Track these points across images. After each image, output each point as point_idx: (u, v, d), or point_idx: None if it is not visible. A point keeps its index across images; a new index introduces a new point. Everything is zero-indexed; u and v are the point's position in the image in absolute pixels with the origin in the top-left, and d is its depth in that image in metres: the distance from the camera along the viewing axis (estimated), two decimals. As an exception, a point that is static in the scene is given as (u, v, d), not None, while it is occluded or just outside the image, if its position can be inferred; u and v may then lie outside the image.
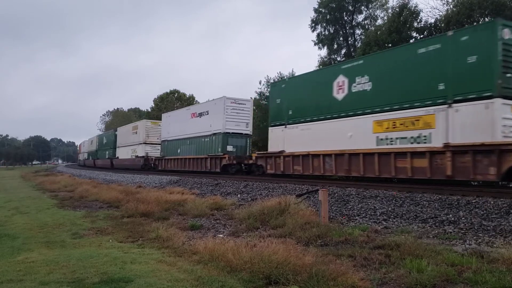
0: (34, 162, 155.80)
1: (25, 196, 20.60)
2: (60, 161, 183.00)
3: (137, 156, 40.34)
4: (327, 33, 43.19)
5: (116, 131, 51.76)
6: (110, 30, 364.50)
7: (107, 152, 53.78)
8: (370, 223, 9.72)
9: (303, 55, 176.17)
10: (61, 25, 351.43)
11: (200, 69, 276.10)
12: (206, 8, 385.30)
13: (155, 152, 39.51)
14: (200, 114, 29.74)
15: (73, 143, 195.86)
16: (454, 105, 12.76)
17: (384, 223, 9.72)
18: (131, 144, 43.31)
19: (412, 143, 13.95)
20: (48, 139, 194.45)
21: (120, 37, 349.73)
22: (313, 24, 43.30)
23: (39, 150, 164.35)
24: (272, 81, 42.86)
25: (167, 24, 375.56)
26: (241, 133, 26.99)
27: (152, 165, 38.38)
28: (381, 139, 15.05)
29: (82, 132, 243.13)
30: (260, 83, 44.38)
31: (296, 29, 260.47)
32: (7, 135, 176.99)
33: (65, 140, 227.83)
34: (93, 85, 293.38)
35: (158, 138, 38.99)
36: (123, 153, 46.10)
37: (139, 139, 41.21)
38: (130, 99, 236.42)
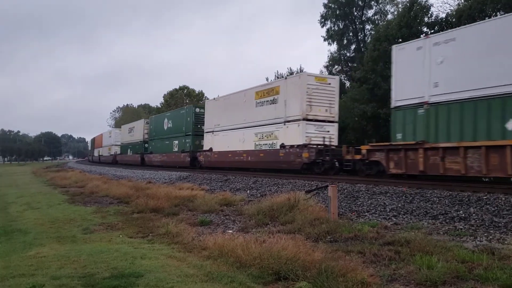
0: (45, 158, 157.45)
1: (37, 191, 20.83)
2: (70, 157, 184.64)
3: (285, 147, 20.50)
4: (336, 28, 42.94)
5: (200, 107, 32.68)
6: (131, 25, 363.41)
7: (176, 142, 33.41)
8: (379, 219, 9.68)
9: (321, 50, 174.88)
10: (81, 20, 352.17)
11: (221, 65, 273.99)
12: (229, 2, 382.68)
13: (319, 136, 19.87)
14: None
15: (84, 139, 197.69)
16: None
17: (394, 219, 9.67)
18: (255, 125, 23.27)
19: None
20: (59, 135, 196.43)
21: (140, 32, 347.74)
22: (323, 20, 43.09)
23: (50, 146, 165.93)
24: (281, 76, 42.74)
25: (189, 19, 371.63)
26: None
27: (342, 163, 18.41)
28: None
29: (94, 128, 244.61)
30: (267, 80, 44.13)
31: (316, 24, 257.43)
32: (18, 131, 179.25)
33: (75, 136, 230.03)
34: (110, 81, 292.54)
35: (327, 110, 20.39)
36: (226, 143, 25.79)
37: (284, 113, 21.09)
38: (146, 95, 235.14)
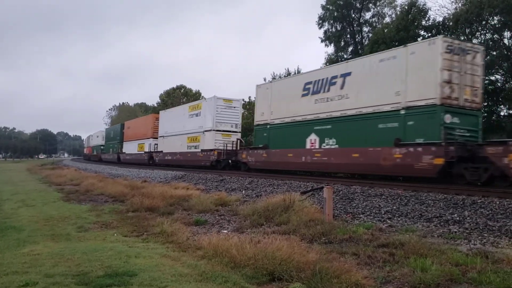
0: (40, 156, 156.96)
1: (32, 189, 20.73)
2: (66, 155, 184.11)
3: None
4: (334, 30, 43.03)
5: None
6: (139, 23, 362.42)
7: None
8: (374, 222, 9.70)
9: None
10: (91, 17, 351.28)
11: (225, 65, 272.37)
12: (239, 3, 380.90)
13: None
14: None
15: (79, 137, 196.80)
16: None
17: (389, 221, 9.69)
18: None
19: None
20: (55, 132, 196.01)
21: (148, 31, 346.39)
22: (320, 21, 43.18)
23: (45, 143, 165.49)
24: (278, 77, 42.79)
25: (199, 18, 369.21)
26: None
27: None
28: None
29: (89, 127, 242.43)
30: (265, 80, 44.10)
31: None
32: (14, 128, 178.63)
33: (71, 134, 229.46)
34: (110, 81, 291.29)
35: None
36: None
37: None
38: (144, 94, 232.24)
